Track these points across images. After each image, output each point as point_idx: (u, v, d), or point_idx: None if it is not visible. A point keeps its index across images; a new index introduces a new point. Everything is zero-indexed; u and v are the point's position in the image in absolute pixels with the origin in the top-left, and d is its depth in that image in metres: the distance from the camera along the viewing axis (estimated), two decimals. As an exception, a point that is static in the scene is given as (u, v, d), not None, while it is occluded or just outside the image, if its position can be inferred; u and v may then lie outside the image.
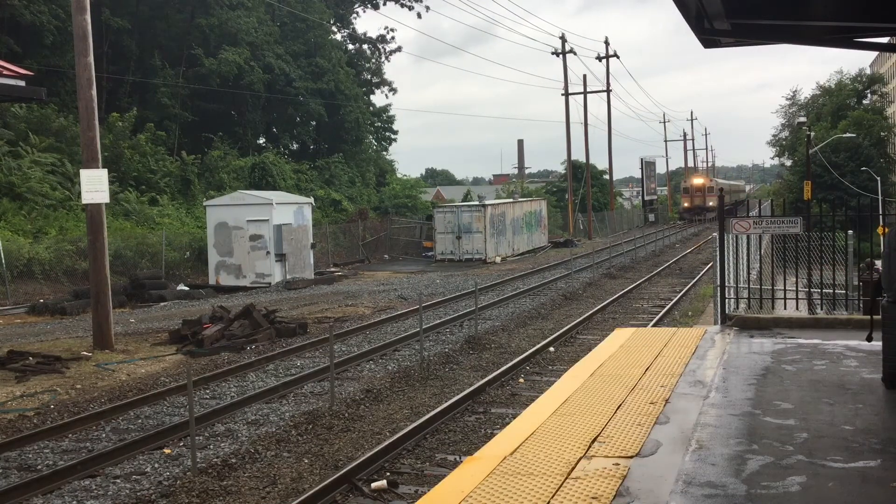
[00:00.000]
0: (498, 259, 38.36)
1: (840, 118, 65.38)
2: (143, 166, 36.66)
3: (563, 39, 55.65)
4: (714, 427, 5.83)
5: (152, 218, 33.57)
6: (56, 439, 10.15)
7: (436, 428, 10.27)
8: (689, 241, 51.81)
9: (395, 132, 61.66)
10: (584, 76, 64.02)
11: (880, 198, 41.45)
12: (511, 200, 44.68)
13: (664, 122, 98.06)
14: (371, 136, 58.09)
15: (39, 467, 9.10)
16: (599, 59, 61.50)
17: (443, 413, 10.69)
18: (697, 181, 79.03)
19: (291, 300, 23.88)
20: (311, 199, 32.10)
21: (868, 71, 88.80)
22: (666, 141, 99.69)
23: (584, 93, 57.31)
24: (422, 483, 8.36)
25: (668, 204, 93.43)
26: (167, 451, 9.58)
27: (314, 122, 52.04)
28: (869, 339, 7.70)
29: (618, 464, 5.11)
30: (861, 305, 12.09)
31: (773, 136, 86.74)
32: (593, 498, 4.55)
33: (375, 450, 9.04)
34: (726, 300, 10.81)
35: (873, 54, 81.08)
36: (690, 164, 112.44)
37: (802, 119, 54.17)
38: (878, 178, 49.82)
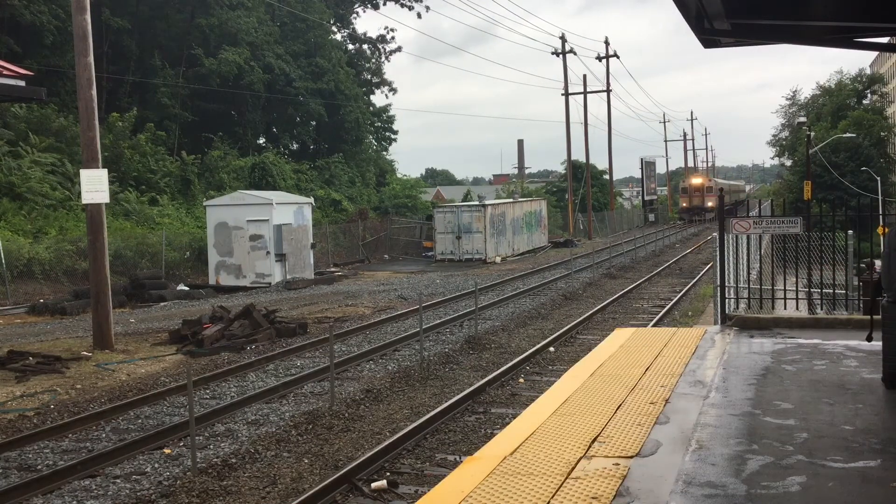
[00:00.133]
0: (498, 259, 38.36)
1: (840, 118, 65.40)
2: (143, 166, 36.66)
3: (563, 39, 55.68)
4: (714, 427, 5.83)
5: (152, 218, 33.57)
6: (56, 439, 10.15)
7: (436, 428, 10.27)
8: (689, 241, 51.81)
9: (395, 132, 61.72)
10: (584, 76, 64.09)
11: (880, 198, 41.46)
12: (511, 200, 44.68)
13: (664, 122, 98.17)
14: (371, 136, 58.10)
15: (39, 467, 9.10)
16: (599, 59, 61.53)
17: (443, 413, 10.69)
18: (696, 181, 78.58)
19: (291, 300, 23.88)
20: (311, 199, 32.10)
21: (868, 71, 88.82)
22: (666, 141, 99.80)
23: (584, 93, 57.35)
24: (422, 483, 8.36)
25: (668, 204, 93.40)
26: (167, 451, 9.58)
27: (314, 122, 52.04)
28: (869, 339, 7.70)
29: (618, 464, 5.11)
30: (861, 305, 12.10)
31: (773, 136, 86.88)
32: (593, 498, 4.55)
33: (375, 450, 9.04)
34: (726, 300, 10.81)
35: (873, 54, 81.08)
36: (690, 164, 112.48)
37: (802, 119, 54.19)
38: (878, 178, 49.82)
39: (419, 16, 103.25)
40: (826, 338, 9.18)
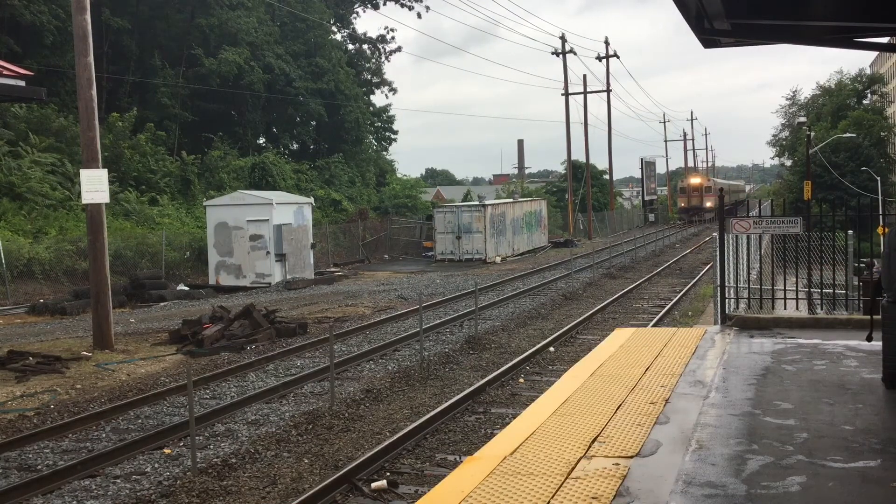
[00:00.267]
0: (498, 259, 38.37)
1: (840, 118, 65.40)
2: (143, 166, 36.66)
3: (564, 39, 55.68)
4: (714, 427, 5.83)
5: (152, 218, 33.57)
6: (56, 439, 10.15)
7: (436, 428, 10.27)
8: (689, 241, 51.82)
9: (395, 132, 61.72)
10: (584, 76, 64.11)
11: (880, 198, 41.46)
12: (511, 200, 44.68)
13: (664, 122, 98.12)
14: (371, 136, 58.09)
15: (39, 467, 9.10)
16: (599, 59, 61.53)
17: (443, 413, 10.69)
18: (695, 181, 78.08)
19: (291, 300, 23.88)
20: (311, 199, 32.10)
21: (868, 71, 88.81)
22: (666, 141, 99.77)
23: (584, 93, 57.35)
24: (422, 483, 8.36)
25: (668, 204, 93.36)
26: (167, 451, 9.58)
27: (314, 122, 52.04)
28: (869, 339, 7.70)
29: (618, 464, 5.11)
30: (861, 305, 12.09)
31: (773, 136, 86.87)
32: (593, 498, 4.55)
33: (375, 450, 9.04)
34: (726, 300, 10.80)
35: (873, 54, 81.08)
36: (690, 164, 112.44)
37: (802, 119, 54.18)
38: (878, 178, 49.82)
39: (419, 16, 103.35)
40: (826, 338, 9.18)
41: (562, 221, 58.95)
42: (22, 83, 12.76)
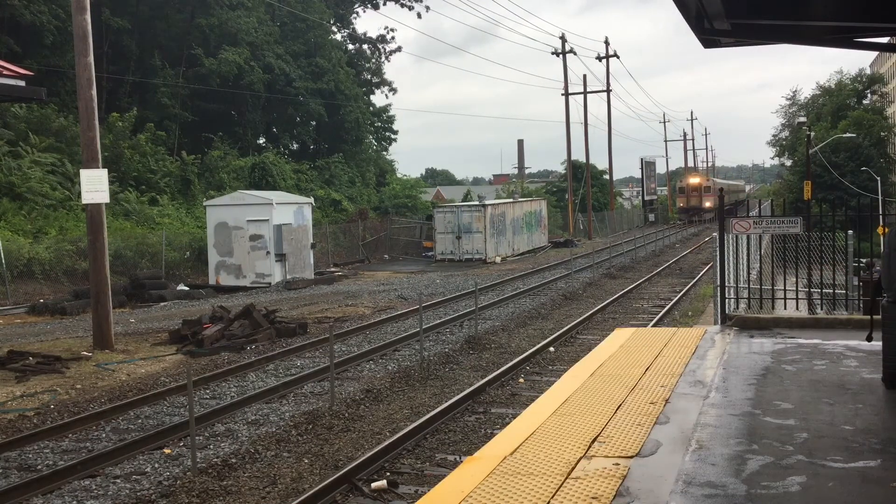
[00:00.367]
0: (498, 259, 38.37)
1: (840, 118, 65.40)
2: (143, 166, 36.66)
3: (564, 39, 55.69)
4: (714, 427, 5.83)
5: (152, 218, 33.57)
6: (56, 439, 10.15)
7: (436, 428, 10.27)
8: (688, 241, 51.82)
9: (395, 132, 61.72)
10: (585, 76, 64.11)
11: (880, 198, 41.47)
12: (511, 200, 44.68)
13: (664, 122, 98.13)
14: (371, 136, 58.09)
15: (39, 467, 9.10)
16: (599, 59, 61.53)
17: (443, 413, 10.69)
18: (693, 180, 77.53)
19: (291, 300, 23.88)
20: (311, 199, 32.10)
21: (868, 71, 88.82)
22: (666, 141, 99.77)
23: (584, 93, 57.36)
24: (422, 483, 8.36)
25: (668, 204, 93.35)
26: (167, 451, 9.58)
27: (314, 122, 52.04)
28: (869, 339, 7.70)
29: (618, 464, 5.11)
30: (861, 305, 12.09)
31: (773, 136, 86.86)
32: (593, 498, 4.55)
33: (375, 450, 9.04)
34: (726, 300, 10.80)
35: (873, 54, 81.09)
36: (690, 164, 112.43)
37: (802, 119, 54.19)
38: (878, 178, 49.82)
39: (419, 16, 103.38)
40: (826, 338, 9.18)
41: (562, 221, 58.95)
42: (22, 83, 12.76)
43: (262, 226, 27.74)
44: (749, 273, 14.09)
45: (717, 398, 6.64)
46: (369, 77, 59.23)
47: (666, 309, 20.75)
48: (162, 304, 24.16)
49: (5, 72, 12.58)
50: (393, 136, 61.79)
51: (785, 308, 11.82)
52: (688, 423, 5.96)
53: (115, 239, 27.09)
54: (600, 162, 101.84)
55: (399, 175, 59.36)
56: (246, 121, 47.26)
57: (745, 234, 11.79)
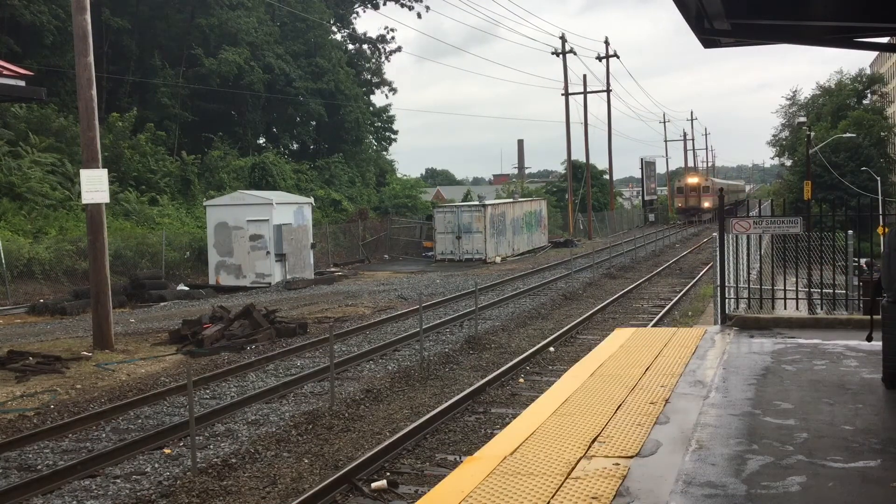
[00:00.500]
0: (498, 259, 38.36)
1: (840, 118, 65.40)
2: (143, 166, 36.66)
3: (564, 39, 55.69)
4: (714, 427, 5.83)
5: (152, 218, 33.57)
6: (56, 439, 10.15)
7: (436, 428, 10.27)
8: (688, 241, 51.82)
9: (395, 132, 61.73)
10: (585, 76, 64.10)
11: (880, 198, 41.47)
12: (511, 200, 44.68)
13: (664, 122, 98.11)
14: (371, 136, 58.10)
15: (39, 467, 9.10)
16: (599, 59, 61.54)
17: (443, 413, 10.69)
18: (692, 180, 77.03)
19: (291, 300, 23.88)
20: (311, 199, 32.10)
21: (868, 71, 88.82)
22: (666, 141, 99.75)
23: (584, 93, 57.35)
24: (422, 483, 8.36)
25: (668, 204, 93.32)
26: (167, 451, 9.58)
27: (314, 122, 52.04)
28: (869, 339, 7.70)
29: (618, 464, 5.11)
30: (861, 305, 12.09)
31: (773, 136, 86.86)
32: (593, 498, 4.55)
33: (375, 450, 9.04)
34: (726, 300, 10.80)
35: (873, 54, 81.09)
36: (690, 164, 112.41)
37: (802, 119, 54.20)
38: (878, 178, 49.82)
39: (419, 16, 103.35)
40: (826, 338, 9.17)
41: (562, 221, 58.94)
42: (22, 83, 12.76)
43: (262, 226, 27.74)
44: (749, 273, 14.09)
45: (717, 398, 6.64)
46: (369, 77, 59.24)
47: (666, 309, 20.75)
48: (162, 304, 24.16)
49: (5, 72, 12.58)
50: (393, 136, 61.85)
51: (785, 308, 11.82)
52: (688, 423, 5.96)
53: (115, 239, 27.09)
54: (600, 162, 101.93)
55: (399, 175, 59.37)
56: (246, 121, 47.26)
57: (745, 234, 11.79)
